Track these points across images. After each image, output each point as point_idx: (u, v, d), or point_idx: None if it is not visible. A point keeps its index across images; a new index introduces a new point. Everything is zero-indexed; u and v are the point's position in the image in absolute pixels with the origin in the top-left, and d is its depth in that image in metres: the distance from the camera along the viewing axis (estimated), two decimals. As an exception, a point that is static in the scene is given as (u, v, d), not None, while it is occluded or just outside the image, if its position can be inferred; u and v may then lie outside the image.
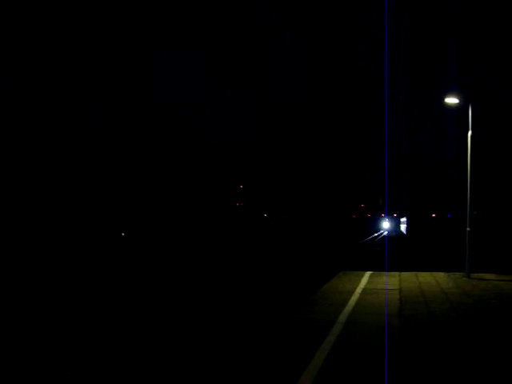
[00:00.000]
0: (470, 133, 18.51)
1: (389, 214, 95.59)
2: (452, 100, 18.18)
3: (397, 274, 18.83)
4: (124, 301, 13.75)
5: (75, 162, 49.99)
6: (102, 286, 16.35)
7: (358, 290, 14.53)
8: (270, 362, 7.66)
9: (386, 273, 19.00)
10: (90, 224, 45.85)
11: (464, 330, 9.78)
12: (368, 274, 18.83)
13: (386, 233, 67.12)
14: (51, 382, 7.24)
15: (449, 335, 9.34)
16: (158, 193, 63.86)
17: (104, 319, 11.46)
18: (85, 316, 11.80)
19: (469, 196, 18.47)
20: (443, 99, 18.16)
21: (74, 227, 42.93)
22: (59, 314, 11.92)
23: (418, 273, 19.11)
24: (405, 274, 18.62)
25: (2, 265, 21.33)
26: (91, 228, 44.23)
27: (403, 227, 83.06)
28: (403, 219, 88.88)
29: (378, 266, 21.59)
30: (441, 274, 18.75)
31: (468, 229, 18.26)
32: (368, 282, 16.40)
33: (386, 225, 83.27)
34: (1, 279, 17.62)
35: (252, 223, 79.69)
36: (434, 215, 77.56)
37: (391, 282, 16.51)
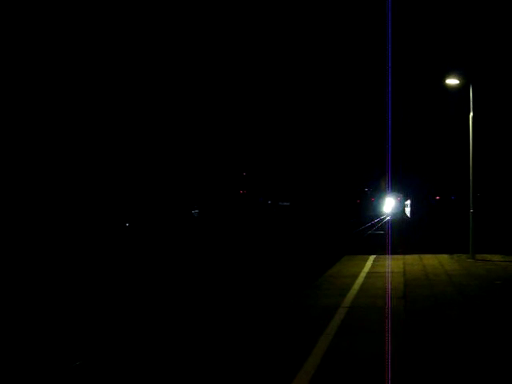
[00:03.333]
0: (471, 114, 18.43)
1: (393, 198, 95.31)
2: (453, 81, 18.10)
3: (401, 257, 18.86)
4: (125, 288, 13.81)
5: (79, 152, 50.03)
6: (103, 279, 16.40)
7: (362, 274, 14.56)
8: (274, 349, 7.69)
9: (390, 256, 19.03)
10: (94, 214, 45.93)
11: (469, 311, 9.80)
12: (372, 257, 18.86)
13: (389, 217, 66.81)
14: (60, 372, 7.31)
15: (453, 317, 9.35)
16: (161, 182, 63.88)
17: (105, 311, 11.52)
18: (87, 309, 11.86)
19: (471, 177, 18.43)
20: (444, 80, 18.09)
21: (78, 218, 43.02)
22: (61, 309, 11.98)
23: (422, 255, 19.13)
24: (409, 257, 18.64)
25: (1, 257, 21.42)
26: (96, 218, 44.31)
27: (407, 210, 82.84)
28: (407, 202, 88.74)
29: (382, 250, 21.61)
30: (445, 256, 18.78)
31: (471, 210, 18.25)
32: (372, 266, 16.44)
33: (389, 208, 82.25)
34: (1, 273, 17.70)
35: (256, 210, 79.73)
36: (438, 197, 77.38)
37: (395, 265, 16.53)
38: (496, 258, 18.17)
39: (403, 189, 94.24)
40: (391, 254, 19.94)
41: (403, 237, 31.23)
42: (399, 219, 62.30)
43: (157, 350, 8.03)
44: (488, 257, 18.24)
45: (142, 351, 8.01)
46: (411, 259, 18.06)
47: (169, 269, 18.08)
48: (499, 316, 9.40)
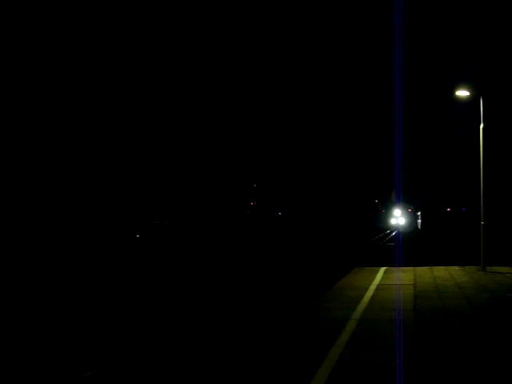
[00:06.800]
0: (482, 125, 18.39)
1: (403, 210, 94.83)
2: (463, 93, 18.08)
3: (411, 269, 18.76)
4: (137, 307, 13.84)
5: (91, 163, 50.43)
6: (113, 289, 16.47)
7: (373, 287, 14.50)
8: (284, 361, 7.68)
9: (400, 268, 18.94)
10: (105, 226, 46.17)
11: (480, 325, 9.73)
12: (383, 269, 18.78)
13: (400, 229, 66.02)
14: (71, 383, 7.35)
15: (464, 331, 9.30)
16: (172, 193, 64.11)
17: (118, 324, 11.56)
18: (98, 317, 11.91)
19: (482, 189, 18.35)
20: (454, 92, 18.07)
21: (90, 229, 43.26)
22: (70, 317, 12.04)
23: (432, 267, 19.01)
24: (420, 269, 18.54)
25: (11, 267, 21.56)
26: (107, 229, 44.53)
27: (419, 222, 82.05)
28: (418, 213, 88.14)
29: (392, 262, 21.52)
30: (456, 268, 18.65)
31: (482, 222, 18.14)
32: (382, 278, 16.37)
33: (400, 221, 79.29)
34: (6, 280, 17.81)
35: (267, 222, 79.67)
36: (448, 209, 76.90)
37: (406, 277, 16.46)
38: (507, 270, 18.02)
39: (413, 200, 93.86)
40: (402, 266, 19.85)
41: (414, 249, 31.08)
42: (410, 231, 61.86)
43: (168, 363, 8.05)
44: (499, 269, 18.10)
45: (157, 369, 8.03)
46: (422, 271, 17.96)
47: (179, 279, 18.12)
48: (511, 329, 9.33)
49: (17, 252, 27.67)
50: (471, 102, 18.99)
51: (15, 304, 13.77)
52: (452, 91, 18.40)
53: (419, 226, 74.46)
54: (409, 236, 48.72)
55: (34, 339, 9.99)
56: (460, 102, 18.75)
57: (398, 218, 79.86)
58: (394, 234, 54.54)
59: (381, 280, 15.95)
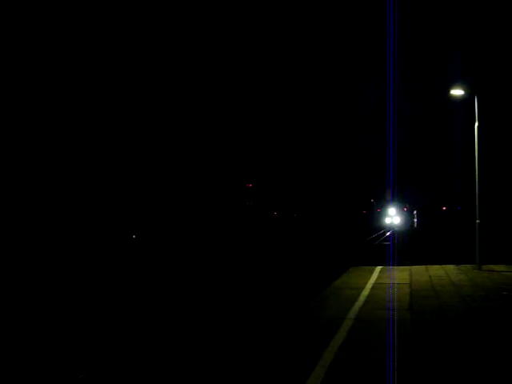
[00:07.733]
0: (476, 124, 18.42)
1: (398, 208, 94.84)
2: (457, 92, 18.11)
3: (407, 268, 18.78)
4: (136, 305, 13.80)
5: (87, 164, 50.30)
6: (110, 289, 16.41)
7: (369, 286, 14.51)
8: (279, 361, 7.66)
9: (396, 267, 18.97)
10: (100, 226, 46.06)
11: (476, 323, 9.73)
12: (378, 268, 18.79)
13: (396, 228, 65.82)
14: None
15: (461, 330, 9.29)
16: (167, 194, 63.99)
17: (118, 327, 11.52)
18: (94, 319, 11.86)
19: (477, 188, 18.38)
20: (448, 91, 18.11)
21: (85, 229, 43.15)
22: (66, 317, 11.99)
23: (428, 266, 19.05)
24: (415, 268, 18.57)
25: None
26: (102, 230, 44.42)
27: (415, 221, 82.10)
28: (414, 212, 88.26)
29: (388, 261, 21.55)
30: (451, 267, 18.68)
31: (477, 221, 18.17)
32: (378, 277, 16.37)
33: (395, 220, 77.81)
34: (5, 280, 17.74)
35: (262, 222, 79.67)
36: (444, 208, 77.07)
37: (401, 276, 16.47)
38: (502, 268, 18.07)
39: (409, 199, 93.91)
40: (397, 265, 19.87)
41: (409, 248, 31.13)
42: (405, 231, 61.92)
43: (165, 362, 8.02)
44: (494, 267, 18.13)
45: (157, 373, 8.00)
46: (417, 270, 17.98)
47: (178, 279, 18.08)
48: (508, 327, 9.33)
49: (14, 253, 27.58)
50: (467, 101, 19.02)
51: (13, 304, 13.71)
52: (447, 90, 18.46)
53: (415, 225, 74.52)
54: (404, 235, 48.81)
55: (30, 340, 9.94)
56: (455, 100, 18.80)
57: (392, 217, 78.31)
58: (389, 233, 54.58)
59: (377, 279, 15.96)
